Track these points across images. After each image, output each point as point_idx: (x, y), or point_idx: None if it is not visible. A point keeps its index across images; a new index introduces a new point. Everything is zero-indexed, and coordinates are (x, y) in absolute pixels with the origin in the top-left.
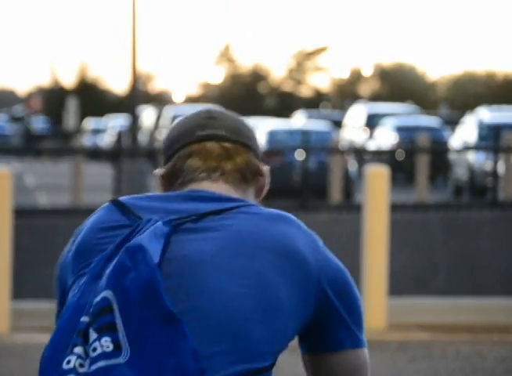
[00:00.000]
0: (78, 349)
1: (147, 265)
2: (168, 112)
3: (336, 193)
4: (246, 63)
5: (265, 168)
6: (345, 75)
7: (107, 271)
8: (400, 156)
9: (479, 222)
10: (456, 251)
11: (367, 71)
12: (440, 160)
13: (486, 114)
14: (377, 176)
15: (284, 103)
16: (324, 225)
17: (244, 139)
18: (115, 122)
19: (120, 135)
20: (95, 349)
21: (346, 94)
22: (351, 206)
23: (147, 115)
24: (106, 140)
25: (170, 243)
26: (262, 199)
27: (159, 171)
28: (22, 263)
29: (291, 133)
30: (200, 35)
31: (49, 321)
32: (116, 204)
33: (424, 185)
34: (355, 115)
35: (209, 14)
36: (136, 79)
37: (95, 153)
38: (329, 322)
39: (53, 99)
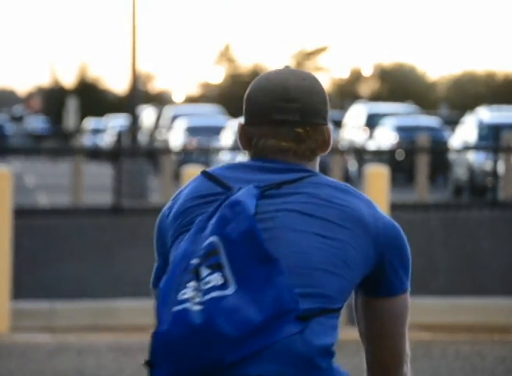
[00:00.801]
0: (192, 284)
1: (246, 216)
2: (168, 112)
3: None
4: (246, 63)
5: (330, 132)
6: (345, 75)
7: (211, 222)
8: (400, 156)
9: (479, 222)
10: (455, 251)
11: (367, 71)
12: (440, 160)
13: (486, 114)
14: (377, 176)
15: None
16: None
17: (315, 119)
18: (115, 122)
19: (120, 135)
20: (207, 283)
21: (346, 94)
22: None
23: (147, 115)
24: (106, 140)
25: (257, 205)
26: None
27: (240, 121)
28: (22, 263)
29: None
30: (199, 35)
31: (49, 321)
32: (206, 175)
33: (424, 185)
34: (355, 115)
35: (209, 14)
36: (136, 79)
37: (95, 153)
38: (385, 272)
39: (53, 99)
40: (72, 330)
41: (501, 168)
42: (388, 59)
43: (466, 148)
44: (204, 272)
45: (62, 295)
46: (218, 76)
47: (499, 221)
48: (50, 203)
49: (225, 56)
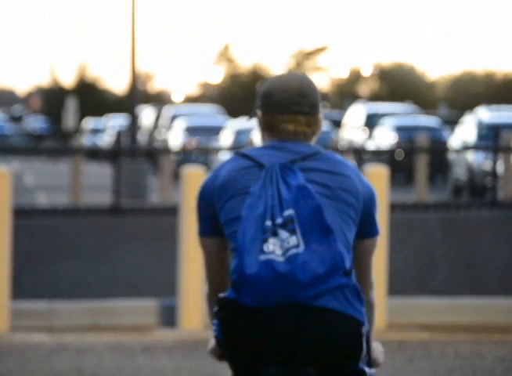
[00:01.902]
0: (272, 240)
1: (312, 198)
2: (167, 112)
3: None
4: (245, 63)
5: (322, 119)
6: (345, 75)
7: (284, 195)
8: (399, 156)
9: (478, 222)
10: (455, 250)
11: (366, 71)
12: (439, 160)
13: (485, 114)
14: (377, 176)
15: None
16: None
17: (317, 110)
18: (114, 122)
19: (119, 134)
20: (288, 242)
21: (345, 94)
22: None
23: (146, 115)
24: (106, 140)
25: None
26: None
27: (258, 112)
28: (21, 263)
29: None
30: (199, 35)
31: (48, 321)
32: (241, 155)
33: (424, 184)
34: (355, 115)
35: (208, 14)
36: (135, 79)
37: (95, 153)
38: (368, 221)
39: (53, 98)
40: (71, 330)
41: (500, 167)
42: (388, 59)
43: (466, 148)
44: (283, 234)
45: (61, 295)
46: (217, 76)
47: (498, 221)
48: (49, 203)
49: (225, 56)
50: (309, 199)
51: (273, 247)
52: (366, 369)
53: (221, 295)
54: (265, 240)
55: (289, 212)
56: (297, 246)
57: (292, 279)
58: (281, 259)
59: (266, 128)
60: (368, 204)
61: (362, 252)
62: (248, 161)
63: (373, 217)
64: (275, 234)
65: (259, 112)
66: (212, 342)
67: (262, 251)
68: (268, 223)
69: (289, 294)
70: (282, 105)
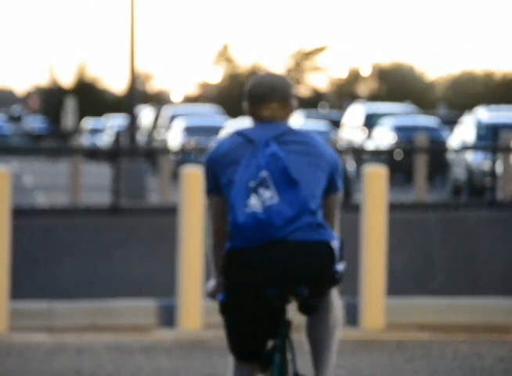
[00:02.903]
0: (254, 196)
1: (281, 161)
2: (166, 112)
3: None
4: (244, 63)
5: (293, 104)
6: (344, 75)
7: (261, 161)
8: (398, 156)
9: (477, 222)
10: (454, 250)
11: (365, 71)
12: (438, 160)
13: (484, 114)
14: (376, 176)
15: None
16: None
17: (289, 98)
18: (113, 122)
19: (118, 134)
20: (264, 196)
21: (344, 94)
22: (350, 206)
23: (145, 115)
24: (105, 140)
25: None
26: None
27: (245, 104)
28: (20, 263)
29: None
30: (198, 35)
31: (47, 321)
32: (237, 133)
33: (423, 184)
34: (354, 115)
35: (208, 14)
36: (134, 79)
37: (94, 153)
38: (332, 180)
39: (52, 98)
40: (70, 330)
41: (499, 167)
42: (387, 59)
43: (465, 148)
44: (261, 190)
45: (60, 295)
46: (216, 76)
47: (497, 221)
48: (48, 203)
49: (224, 55)
50: (279, 162)
51: (255, 202)
52: (339, 268)
53: (225, 249)
54: (249, 197)
55: (264, 174)
56: (272, 198)
57: (269, 224)
58: (261, 210)
59: (251, 114)
60: (332, 167)
61: (328, 205)
62: (242, 138)
63: (337, 177)
64: (256, 191)
65: (246, 104)
66: (211, 285)
67: (247, 205)
68: (252, 183)
69: (268, 235)
70: (259, 97)
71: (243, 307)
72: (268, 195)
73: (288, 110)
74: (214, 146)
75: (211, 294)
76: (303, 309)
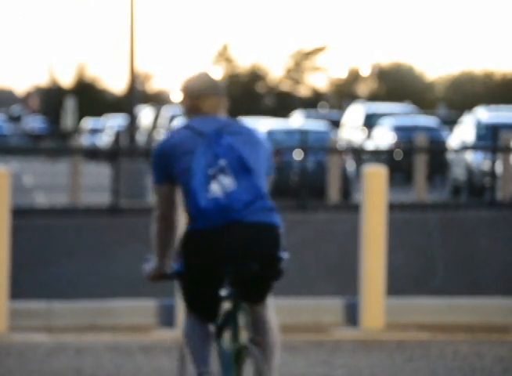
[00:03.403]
0: (215, 182)
1: (237, 151)
2: (166, 112)
3: (334, 193)
4: (244, 63)
5: (227, 100)
6: (343, 75)
7: (218, 151)
8: (398, 156)
9: (477, 222)
10: (454, 250)
11: (365, 71)
12: (438, 160)
13: (484, 114)
14: (375, 176)
15: (282, 103)
16: (322, 225)
17: (225, 94)
18: (113, 122)
19: (118, 134)
20: (225, 183)
21: (344, 94)
22: (350, 206)
23: (145, 115)
24: (105, 140)
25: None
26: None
27: (185, 100)
28: (20, 263)
29: (289, 133)
30: (198, 35)
31: (47, 321)
32: (185, 126)
33: (422, 184)
34: (353, 115)
35: (208, 14)
36: (134, 79)
37: (94, 153)
38: (269, 164)
39: (51, 98)
40: (70, 330)
41: (499, 167)
42: (386, 59)
43: (465, 148)
44: (221, 178)
45: (60, 295)
46: (216, 76)
47: (497, 221)
48: (48, 203)
49: (224, 55)
50: (235, 151)
51: (216, 188)
52: (284, 255)
53: (184, 232)
54: (209, 184)
55: (224, 162)
56: (231, 184)
57: (230, 208)
58: (222, 196)
59: (193, 109)
60: (268, 154)
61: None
62: (190, 131)
63: (271, 162)
64: (215, 178)
65: (185, 99)
66: (149, 267)
67: (209, 191)
68: (210, 172)
69: (229, 217)
70: (200, 91)
71: (202, 280)
72: (228, 182)
73: (224, 106)
74: (163, 139)
75: (150, 276)
76: (254, 284)
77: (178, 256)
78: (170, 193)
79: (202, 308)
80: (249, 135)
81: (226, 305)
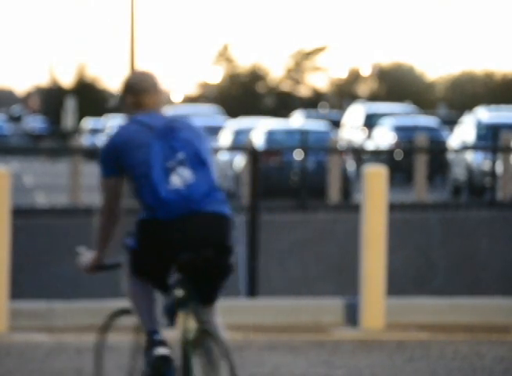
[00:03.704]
0: (175, 175)
1: (193, 145)
2: (166, 112)
3: (334, 193)
4: (244, 63)
5: (165, 97)
6: (344, 75)
7: (176, 145)
8: (398, 156)
9: (477, 222)
10: (454, 250)
11: (366, 71)
12: (438, 160)
13: (484, 114)
14: (376, 176)
15: (282, 103)
16: (323, 225)
17: (161, 88)
18: (113, 122)
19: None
20: (185, 175)
21: (344, 94)
22: (350, 206)
23: None
24: (105, 140)
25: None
26: (263, 198)
27: (127, 97)
28: (20, 263)
29: (290, 133)
30: (198, 35)
31: (47, 321)
32: (133, 121)
33: (423, 185)
34: (354, 115)
35: (208, 14)
36: None
37: (94, 153)
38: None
39: (52, 98)
40: (70, 330)
41: (499, 167)
42: (387, 59)
43: (465, 148)
44: (181, 170)
45: (60, 295)
46: (216, 76)
47: (497, 221)
48: (48, 203)
49: (224, 55)
50: (191, 145)
51: (176, 180)
52: (234, 244)
53: (140, 218)
54: (168, 175)
55: (182, 155)
56: (190, 176)
57: (190, 198)
58: (182, 187)
59: (136, 105)
60: (211, 147)
61: None
62: (139, 125)
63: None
64: (175, 171)
65: (128, 96)
66: (86, 260)
67: (170, 183)
68: (169, 164)
69: (190, 207)
70: (144, 88)
71: (157, 264)
72: (187, 174)
73: (162, 101)
74: (113, 134)
75: (88, 268)
76: (208, 278)
77: (131, 242)
78: (117, 186)
79: (151, 279)
80: (194, 129)
81: (178, 293)
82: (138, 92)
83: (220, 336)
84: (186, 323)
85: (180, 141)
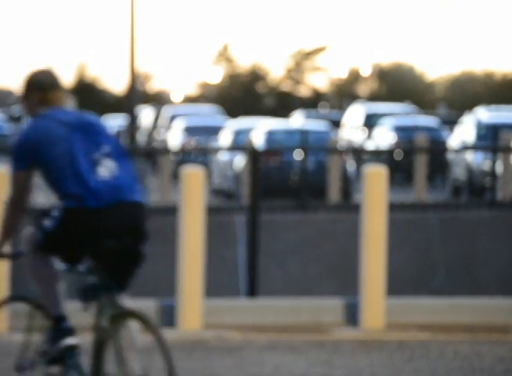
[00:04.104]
0: (101, 166)
1: (113, 139)
2: (167, 112)
3: (334, 193)
4: (244, 63)
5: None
6: (344, 75)
7: (100, 139)
8: (398, 156)
9: (477, 222)
10: (454, 250)
11: (365, 71)
12: (438, 160)
13: (484, 114)
14: (376, 176)
15: (283, 103)
16: (323, 225)
17: (63, 85)
18: (113, 122)
19: (118, 134)
20: (111, 167)
21: (344, 94)
22: (350, 206)
23: (145, 115)
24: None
25: None
26: (263, 198)
27: (32, 94)
28: (20, 263)
29: (290, 133)
30: (198, 35)
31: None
32: (44, 117)
33: (423, 185)
34: (354, 115)
35: (208, 14)
36: (134, 79)
37: None
38: None
39: None
40: None
41: (499, 167)
42: (387, 59)
43: (465, 148)
44: (106, 162)
45: None
46: (216, 76)
47: (497, 221)
48: (48, 203)
49: (224, 55)
50: (114, 139)
51: (103, 171)
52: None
53: (65, 206)
54: (95, 167)
55: (108, 148)
56: (116, 168)
57: (117, 188)
58: (109, 178)
59: (42, 102)
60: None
61: None
62: (52, 121)
63: None
64: (101, 163)
65: (33, 93)
66: None
67: (98, 174)
68: (95, 156)
69: (116, 197)
70: (50, 85)
71: (77, 247)
72: (113, 165)
73: (64, 98)
74: (26, 129)
75: None
76: (128, 258)
77: (48, 223)
78: (27, 179)
79: (61, 254)
80: (102, 123)
81: (90, 279)
82: (45, 89)
83: (147, 315)
84: (102, 309)
85: (102, 135)
